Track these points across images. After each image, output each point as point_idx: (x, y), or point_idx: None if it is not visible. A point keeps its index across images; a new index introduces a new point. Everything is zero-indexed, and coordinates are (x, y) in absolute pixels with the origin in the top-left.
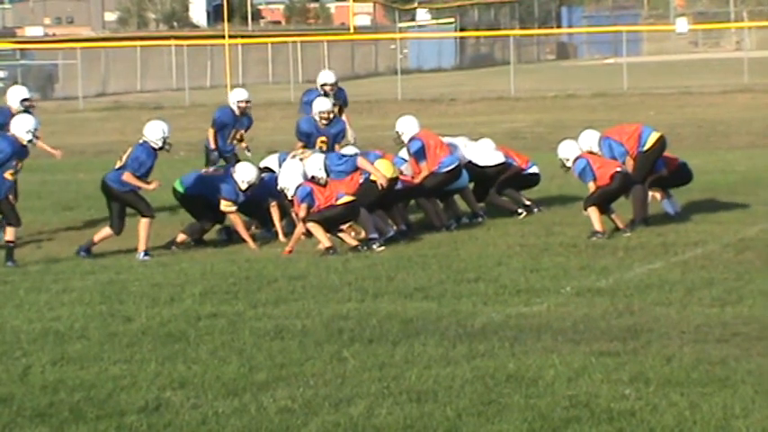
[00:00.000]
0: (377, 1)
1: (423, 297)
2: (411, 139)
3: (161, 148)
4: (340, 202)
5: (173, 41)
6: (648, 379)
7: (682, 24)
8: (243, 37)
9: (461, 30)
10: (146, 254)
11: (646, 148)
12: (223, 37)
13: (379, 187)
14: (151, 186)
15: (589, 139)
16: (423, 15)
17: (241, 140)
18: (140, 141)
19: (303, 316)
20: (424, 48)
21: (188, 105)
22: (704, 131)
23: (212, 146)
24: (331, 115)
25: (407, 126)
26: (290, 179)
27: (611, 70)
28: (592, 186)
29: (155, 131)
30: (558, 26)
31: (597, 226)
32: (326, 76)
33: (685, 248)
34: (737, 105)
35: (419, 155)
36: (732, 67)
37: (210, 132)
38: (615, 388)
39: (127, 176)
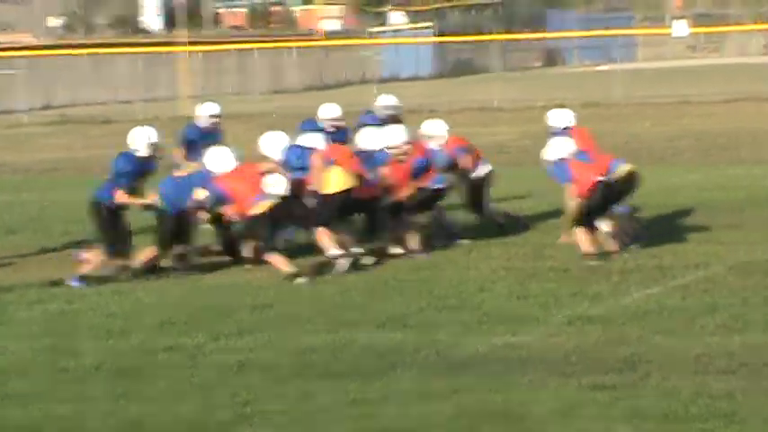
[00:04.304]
0: (347, 3)
1: (400, 326)
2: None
3: (149, 157)
4: (255, 210)
5: (124, 48)
6: (646, 415)
7: (682, 27)
8: (203, 43)
9: (440, 34)
10: (81, 280)
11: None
12: (179, 44)
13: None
14: (149, 201)
15: (564, 117)
16: (398, 19)
17: None
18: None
19: (269, 348)
20: (400, 54)
21: (141, 119)
22: (704, 144)
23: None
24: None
25: (436, 129)
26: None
27: (603, 78)
28: (570, 190)
29: (138, 139)
30: (545, 30)
31: (587, 247)
32: (390, 100)
33: (685, 271)
34: (740, 115)
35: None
36: (734, 73)
37: (177, 152)
38: (610, 425)
39: (119, 196)
